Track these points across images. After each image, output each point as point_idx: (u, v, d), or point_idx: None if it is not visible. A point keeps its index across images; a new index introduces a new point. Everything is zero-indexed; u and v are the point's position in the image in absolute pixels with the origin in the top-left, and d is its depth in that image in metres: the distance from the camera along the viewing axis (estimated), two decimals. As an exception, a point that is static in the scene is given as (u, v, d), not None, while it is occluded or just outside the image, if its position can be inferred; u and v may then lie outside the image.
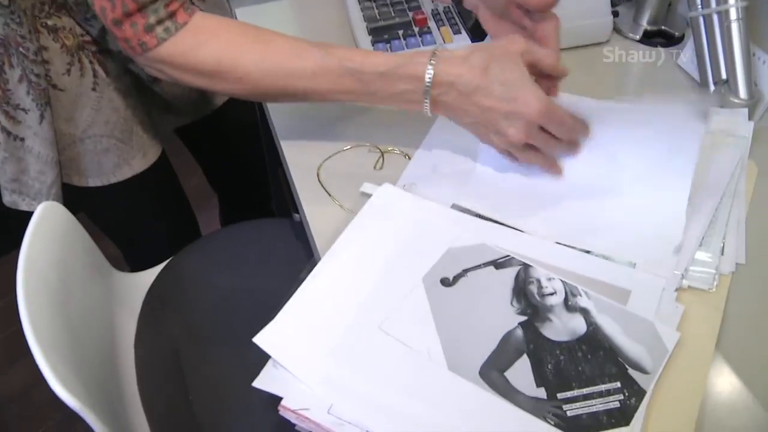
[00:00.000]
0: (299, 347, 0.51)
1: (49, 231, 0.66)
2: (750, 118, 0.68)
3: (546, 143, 0.60)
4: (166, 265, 0.85)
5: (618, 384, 0.48)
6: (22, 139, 0.72)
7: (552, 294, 0.54)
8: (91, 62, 0.72)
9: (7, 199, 0.78)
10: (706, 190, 0.62)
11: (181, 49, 0.58)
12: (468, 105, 0.58)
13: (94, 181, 0.81)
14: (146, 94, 0.83)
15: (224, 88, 0.61)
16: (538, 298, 0.54)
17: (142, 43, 0.57)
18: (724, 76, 0.69)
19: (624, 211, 0.61)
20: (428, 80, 0.57)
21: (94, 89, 0.74)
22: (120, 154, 0.80)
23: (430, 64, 0.57)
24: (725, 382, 0.50)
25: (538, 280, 0.55)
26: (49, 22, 0.68)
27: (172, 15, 0.57)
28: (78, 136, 0.76)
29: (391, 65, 0.58)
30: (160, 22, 0.56)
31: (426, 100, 0.58)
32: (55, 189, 0.75)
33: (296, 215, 0.68)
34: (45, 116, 0.70)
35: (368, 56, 0.59)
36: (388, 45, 0.80)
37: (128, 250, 1.03)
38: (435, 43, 0.80)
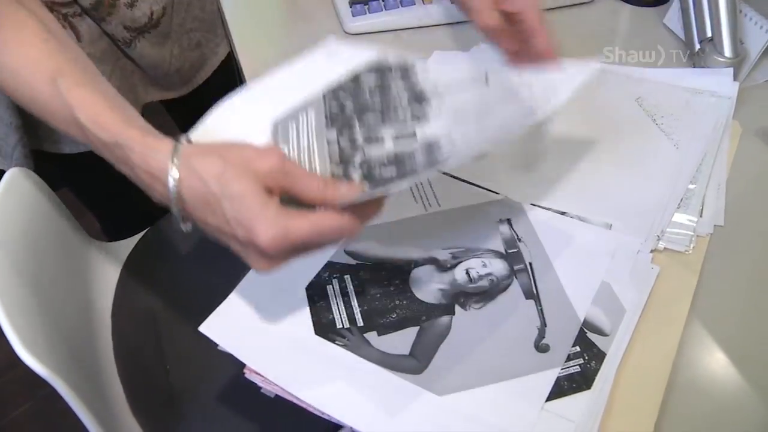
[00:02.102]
0: (248, 334, 0.50)
1: (17, 198, 0.64)
2: (735, 77, 0.66)
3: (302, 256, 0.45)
4: (144, 235, 0.84)
5: (577, 348, 0.47)
6: None
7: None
8: (62, 26, 0.70)
9: None
10: (687, 151, 0.61)
11: None
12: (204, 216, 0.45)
13: (68, 148, 0.79)
14: (123, 62, 0.81)
15: None
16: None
17: None
18: (709, 34, 0.67)
19: (599, 171, 0.60)
20: (172, 185, 0.43)
21: None
22: None
23: (173, 163, 0.43)
24: (699, 344, 0.49)
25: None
26: None
27: None
28: None
29: (120, 138, 0.46)
30: None
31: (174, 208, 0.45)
32: (19, 151, 0.73)
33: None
34: None
35: (102, 114, 0.47)
36: (366, 6, 0.78)
37: (108, 222, 1.01)
38: (414, 4, 0.78)
